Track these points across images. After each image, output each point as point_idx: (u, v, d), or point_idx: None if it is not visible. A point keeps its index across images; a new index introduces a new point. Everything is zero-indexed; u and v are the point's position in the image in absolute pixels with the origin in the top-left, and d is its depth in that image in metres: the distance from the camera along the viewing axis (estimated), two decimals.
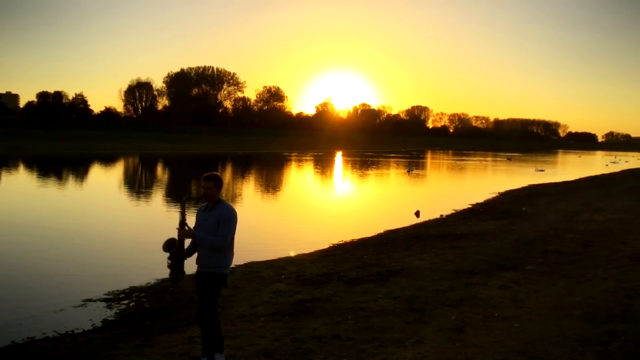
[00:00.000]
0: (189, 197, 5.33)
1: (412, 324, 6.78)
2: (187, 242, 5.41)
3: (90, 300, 8.83)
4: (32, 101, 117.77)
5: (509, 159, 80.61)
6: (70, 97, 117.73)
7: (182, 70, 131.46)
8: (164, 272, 5.47)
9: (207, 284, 5.28)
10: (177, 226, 5.29)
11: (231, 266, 10.98)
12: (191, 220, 5.38)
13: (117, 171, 40.65)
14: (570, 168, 65.86)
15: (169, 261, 5.30)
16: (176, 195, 25.17)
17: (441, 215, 19.22)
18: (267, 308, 7.97)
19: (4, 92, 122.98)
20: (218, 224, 5.17)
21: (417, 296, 8.08)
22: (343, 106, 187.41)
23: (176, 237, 5.27)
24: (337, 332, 6.58)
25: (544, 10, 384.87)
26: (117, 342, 6.72)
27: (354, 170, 47.93)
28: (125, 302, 8.79)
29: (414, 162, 61.71)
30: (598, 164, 79.90)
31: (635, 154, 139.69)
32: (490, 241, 12.66)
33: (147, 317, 7.88)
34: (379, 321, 6.92)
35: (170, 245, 5.25)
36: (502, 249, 11.58)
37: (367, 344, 6.10)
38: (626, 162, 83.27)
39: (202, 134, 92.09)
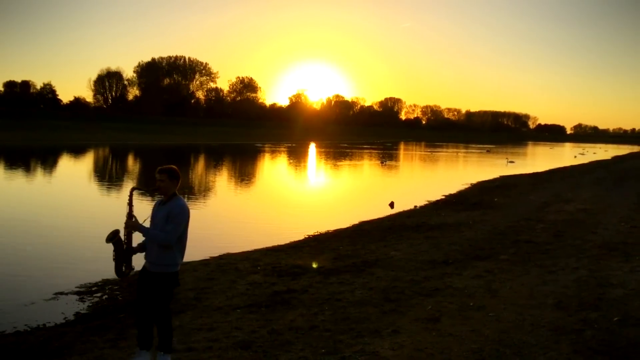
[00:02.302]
0: (137, 188, 5.13)
1: (389, 314, 6.81)
2: (140, 236, 5.24)
3: (62, 293, 8.64)
4: None
5: (488, 151, 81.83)
6: (39, 87, 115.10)
7: (153, 59, 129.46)
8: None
9: (156, 285, 5.09)
10: (126, 218, 5.17)
11: (206, 258, 11.02)
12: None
13: (87, 162, 39.90)
14: (540, 159, 67.04)
15: (114, 253, 5.18)
16: (147, 186, 24.77)
17: (415, 206, 19.36)
18: (243, 300, 7.92)
19: None
20: (167, 219, 5.03)
21: (393, 286, 8.12)
22: (317, 97, 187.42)
23: (121, 229, 5.17)
24: (315, 323, 6.57)
25: (514, 3, 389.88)
26: (91, 335, 6.59)
27: (328, 161, 47.96)
28: (98, 294, 8.63)
29: (387, 154, 62.03)
30: (567, 155, 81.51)
31: (603, 145, 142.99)
32: (464, 231, 12.80)
33: (121, 310, 7.74)
34: (355, 312, 6.94)
35: (113, 236, 5.12)
36: (475, 239, 11.72)
37: (344, 334, 6.11)
38: (594, 153, 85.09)
39: (174, 124, 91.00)
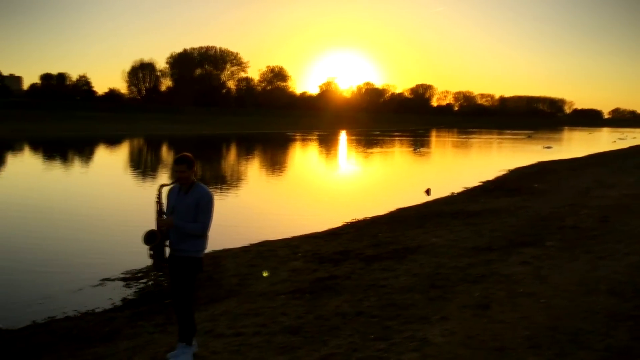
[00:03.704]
0: (165, 185, 5.07)
1: (435, 300, 6.70)
2: None
3: (108, 279, 8.81)
4: (36, 83, 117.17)
5: (529, 136, 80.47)
6: (74, 79, 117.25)
7: (184, 50, 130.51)
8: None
9: (182, 268, 5.02)
10: (155, 216, 5.05)
11: (245, 245, 11.07)
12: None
13: (124, 153, 40.59)
14: (577, 145, 65.47)
15: (151, 252, 5.02)
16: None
17: (452, 193, 19.11)
18: (286, 286, 7.93)
19: (7, 74, 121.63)
20: (195, 208, 4.94)
21: (437, 273, 8.00)
22: (347, 85, 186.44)
23: (155, 228, 4.98)
24: (360, 309, 6.51)
25: None
26: (139, 320, 6.70)
27: (360, 149, 47.73)
28: (144, 281, 8.77)
29: (419, 141, 61.43)
30: (605, 140, 79.39)
31: None
32: (505, 218, 12.55)
33: (166, 296, 7.82)
34: (401, 298, 6.85)
35: (151, 238, 4.95)
36: (518, 226, 11.47)
37: (392, 320, 6.04)
38: (634, 138, 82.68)
39: (206, 115, 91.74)
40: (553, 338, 5.32)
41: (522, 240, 9.98)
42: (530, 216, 12.62)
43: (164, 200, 5.15)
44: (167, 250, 5.12)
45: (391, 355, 5.05)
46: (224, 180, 23.38)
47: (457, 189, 20.15)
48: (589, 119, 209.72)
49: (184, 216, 4.96)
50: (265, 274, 8.71)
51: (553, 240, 9.91)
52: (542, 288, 6.98)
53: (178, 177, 5.03)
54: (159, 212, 5.05)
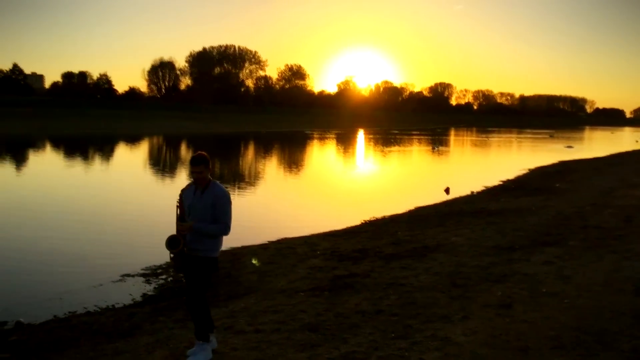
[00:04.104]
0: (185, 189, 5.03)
1: (457, 299, 6.61)
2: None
3: (128, 275, 8.85)
4: (57, 81, 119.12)
5: (551, 136, 79.59)
6: (95, 77, 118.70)
7: (204, 49, 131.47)
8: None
9: (198, 268, 4.94)
10: (176, 220, 4.96)
11: (264, 242, 11.06)
12: None
13: (145, 151, 40.92)
14: (599, 144, 64.47)
15: (172, 255, 4.94)
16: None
17: (472, 192, 18.92)
18: (305, 283, 7.89)
19: (30, 72, 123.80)
20: (212, 208, 4.87)
21: (458, 272, 7.90)
22: (365, 84, 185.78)
23: (176, 233, 4.89)
24: (380, 307, 6.45)
25: None
26: (159, 315, 6.72)
27: (379, 147, 47.53)
28: (163, 277, 8.80)
29: (438, 139, 60.99)
30: (627, 140, 78.09)
31: None
32: (527, 217, 12.37)
33: (184, 293, 7.83)
34: (422, 297, 6.77)
35: (174, 244, 4.85)
36: (540, 225, 11.30)
37: (412, 319, 5.97)
38: None
39: (225, 113, 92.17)
40: (578, 339, 5.22)
41: (545, 239, 9.83)
42: (553, 216, 12.43)
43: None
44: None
45: (413, 354, 4.99)
46: (243, 178, 23.44)
47: (477, 188, 19.94)
48: (610, 118, 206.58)
49: (201, 216, 4.89)
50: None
51: (576, 240, 9.75)
52: (566, 288, 6.86)
53: (195, 177, 4.94)
54: (180, 217, 4.94)
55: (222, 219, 4.91)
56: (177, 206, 4.99)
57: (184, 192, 5.06)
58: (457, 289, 7.05)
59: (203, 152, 4.98)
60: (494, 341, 5.24)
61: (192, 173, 4.94)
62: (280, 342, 5.41)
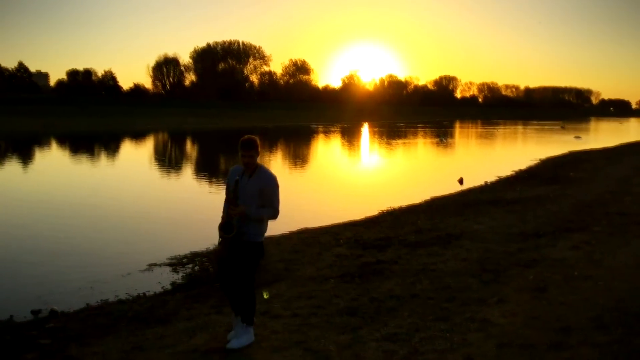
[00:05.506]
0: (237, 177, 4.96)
1: (489, 284, 6.62)
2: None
3: (155, 264, 8.88)
4: (63, 79, 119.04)
5: (563, 127, 79.37)
6: (100, 75, 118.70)
7: (208, 45, 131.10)
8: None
9: (246, 253, 4.92)
10: (227, 204, 4.94)
11: (285, 232, 11.08)
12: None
13: (157, 146, 41.03)
14: (607, 135, 64.18)
15: (221, 240, 4.94)
16: (220, 170, 25.41)
17: (485, 182, 18.89)
18: (333, 270, 7.91)
19: (35, 71, 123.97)
20: (260, 193, 4.85)
21: (486, 258, 7.91)
22: (369, 78, 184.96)
23: (229, 218, 4.87)
24: (414, 291, 6.47)
25: None
26: (193, 302, 6.74)
27: (387, 140, 47.47)
28: (190, 266, 8.83)
29: (444, 132, 60.87)
30: (635, 130, 77.75)
31: None
32: (547, 205, 12.36)
33: (215, 280, 7.86)
34: (454, 281, 6.78)
35: (228, 229, 4.85)
36: (562, 212, 11.29)
37: (448, 302, 5.99)
38: None
39: (230, 108, 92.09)
40: (619, 318, 5.22)
41: (568, 226, 9.83)
42: (573, 203, 12.41)
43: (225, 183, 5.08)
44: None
45: (455, 335, 5.01)
46: None
47: (491, 178, 19.90)
48: (617, 109, 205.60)
49: (249, 200, 4.86)
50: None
51: (600, 226, 9.74)
52: (598, 271, 6.86)
53: (246, 162, 4.89)
54: (232, 201, 4.90)
55: (271, 204, 4.89)
56: (231, 189, 4.94)
57: (232, 175, 5.04)
58: (488, 273, 7.06)
59: (253, 136, 4.95)
60: (534, 323, 5.25)
61: (243, 157, 4.89)
62: (321, 325, 5.44)
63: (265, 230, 5.07)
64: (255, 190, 4.88)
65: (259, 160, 5.03)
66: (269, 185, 4.90)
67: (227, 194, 5.04)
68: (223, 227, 4.87)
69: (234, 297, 5.08)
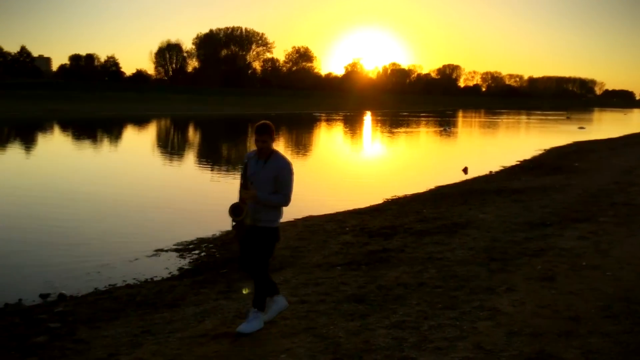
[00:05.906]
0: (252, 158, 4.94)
1: (497, 272, 6.62)
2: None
3: (161, 250, 8.91)
4: (65, 64, 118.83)
5: (568, 117, 79.23)
6: (102, 60, 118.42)
7: (210, 31, 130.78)
8: (228, 225, 5.15)
9: (261, 238, 4.91)
10: (240, 188, 4.93)
11: (290, 220, 11.09)
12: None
13: (162, 133, 41.00)
14: (611, 125, 63.98)
15: (234, 223, 4.90)
16: (224, 157, 25.40)
17: (490, 172, 18.88)
18: (340, 258, 7.91)
19: (37, 55, 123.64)
20: (275, 179, 4.84)
21: (493, 247, 7.90)
22: (372, 66, 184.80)
23: (239, 201, 4.83)
24: (422, 280, 6.46)
25: None
26: (200, 288, 6.77)
27: (390, 129, 47.37)
28: (196, 252, 8.85)
29: (447, 121, 60.73)
30: (639, 121, 77.51)
31: None
32: (553, 195, 12.34)
33: (222, 266, 7.89)
34: (462, 270, 6.78)
35: (237, 212, 4.82)
36: (568, 202, 11.27)
37: (457, 290, 5.98)
38: None
39: (232, 95, 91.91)
40: (628, 308, 5.23)
41: (575, 216, 9.81)
42: (579, 193, 12.39)
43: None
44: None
45: (464, 323, 5.01)
46: None
47: (495, 167, 19.90)
48: (620, 100, 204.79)
49: (263, 186, 4.84)
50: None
51: (606, 216, 9.73)
52: (606, 261, 6.86)
53: (260, 147, 4.86)
54: (244, 185, 4.90)
55: (282, 190, 4.88)
56: (242, 174, 4.95)
57: (247, 160, 5.02)
58: (496, 262, 7.05)
59: (267, 121, 4.92)
60: (543, 311, 5.25)
61: (257, 142, 4.87)
62: (329, 312, 5.45)
63: (281, 216, 5.05)
64: (271, 176, 4.86)
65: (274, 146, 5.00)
66: (283, 171, 4.88)
67: (241, 177, 5.05)
68: (233, 210, 4.85)
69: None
